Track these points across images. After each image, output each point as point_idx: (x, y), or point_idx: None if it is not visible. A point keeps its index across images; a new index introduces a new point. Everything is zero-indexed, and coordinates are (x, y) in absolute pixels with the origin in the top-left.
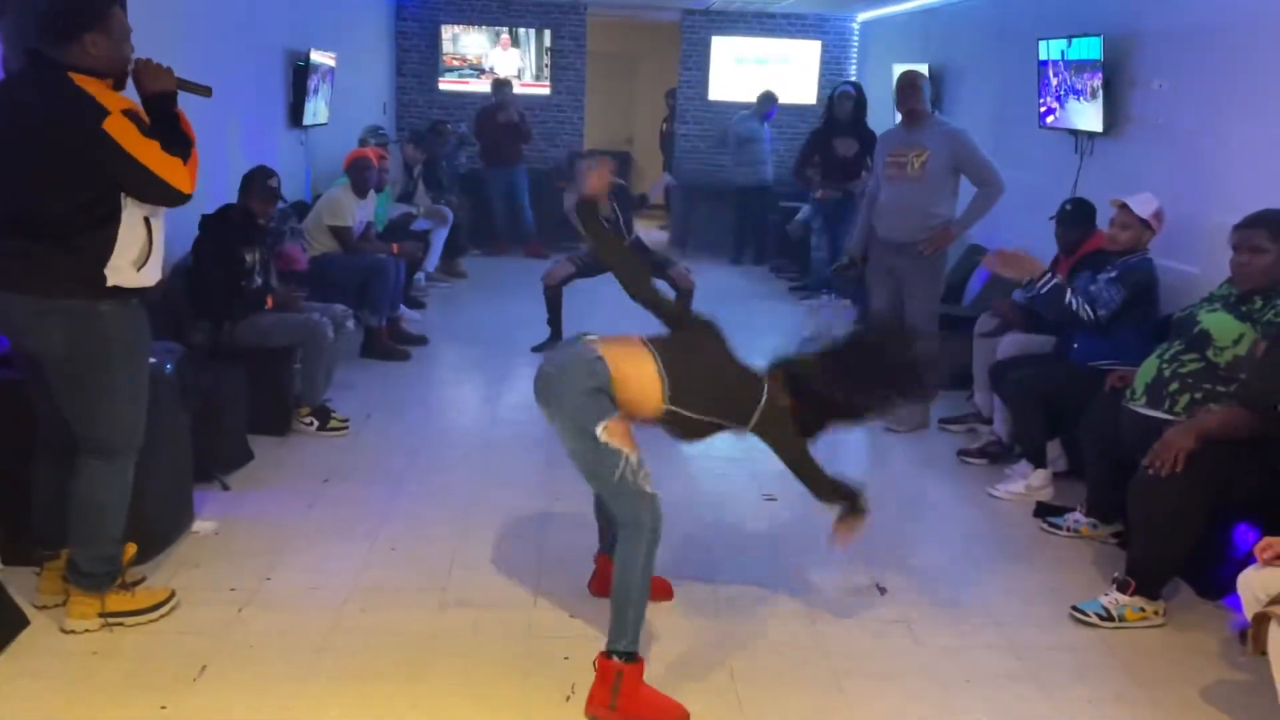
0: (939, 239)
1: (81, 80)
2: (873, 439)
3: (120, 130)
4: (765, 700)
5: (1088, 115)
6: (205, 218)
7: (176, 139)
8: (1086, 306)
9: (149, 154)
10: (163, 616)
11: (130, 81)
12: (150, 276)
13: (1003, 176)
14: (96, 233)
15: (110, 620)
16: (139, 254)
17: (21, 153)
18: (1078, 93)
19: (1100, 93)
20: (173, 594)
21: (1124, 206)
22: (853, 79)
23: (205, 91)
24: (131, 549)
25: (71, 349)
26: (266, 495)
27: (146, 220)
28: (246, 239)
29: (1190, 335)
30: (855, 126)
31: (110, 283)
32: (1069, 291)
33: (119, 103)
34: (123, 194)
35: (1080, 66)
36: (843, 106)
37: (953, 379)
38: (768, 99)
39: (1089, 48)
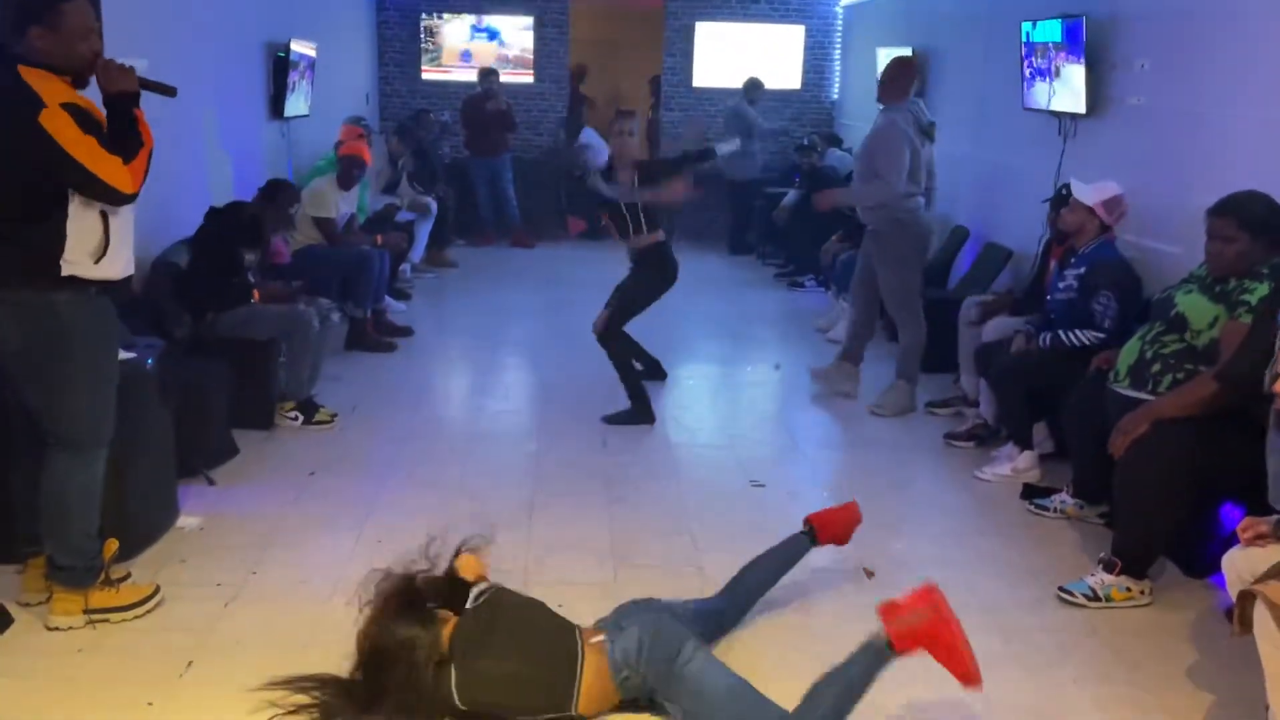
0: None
1: (29, 73)
2: (859, 423)
3: (55, 124)
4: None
5: (1050, 95)
6: (215, 211)
7: (127, 139)
8: (1085, 333)
9: (83, 150)
10: (148, 612)
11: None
12: (112, 269)
13: (898, 188)
14: (43, 225)
15: (95, 617)
16: (95, 247)
17: None
18: (1042, 73)
19: (1061, 72)
20: (157, 589)
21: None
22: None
23: (170, 91)
24: (113, 545)
25: (28, 341)
26: (251, 489)
27: (103, 214)
28: (250, 241)
29: (1168, 317)
30: None
31: (65, 274)
32: (1061, 334)
33: (60, 97)
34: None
35: (1044, 48)
36: None
37: (938, 362)
38: (753, 86)
39: (1050, 30)
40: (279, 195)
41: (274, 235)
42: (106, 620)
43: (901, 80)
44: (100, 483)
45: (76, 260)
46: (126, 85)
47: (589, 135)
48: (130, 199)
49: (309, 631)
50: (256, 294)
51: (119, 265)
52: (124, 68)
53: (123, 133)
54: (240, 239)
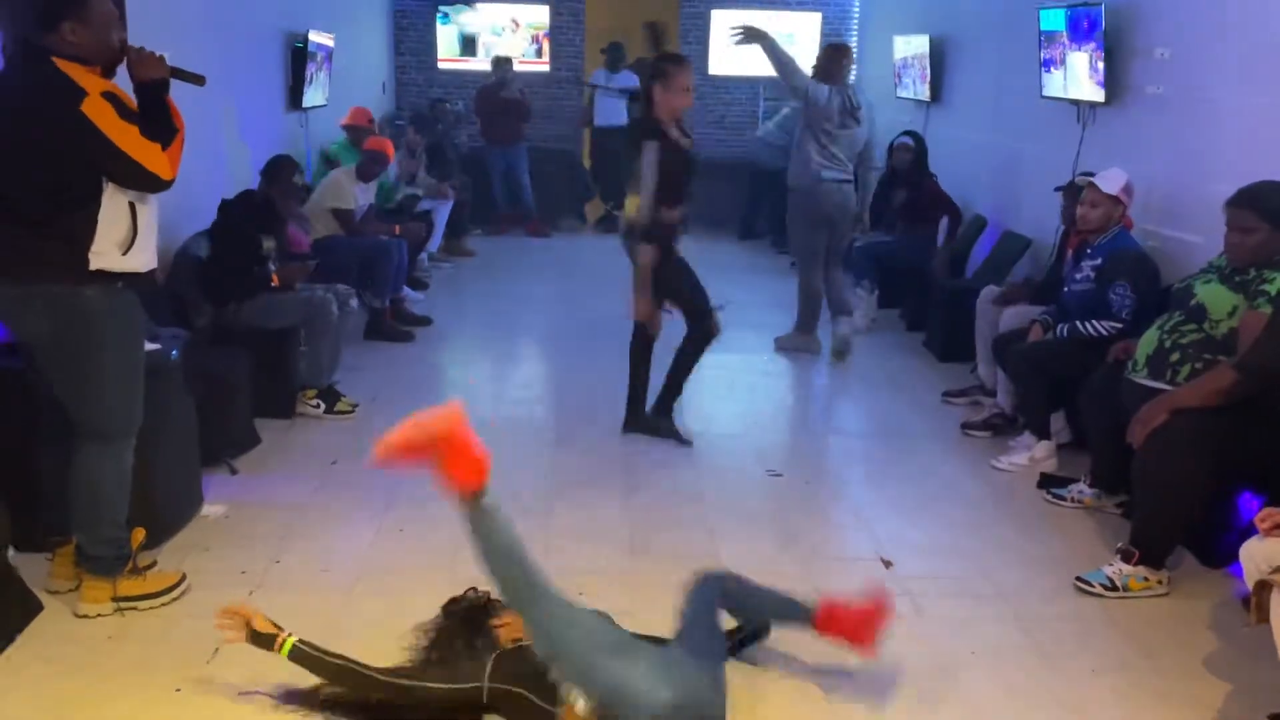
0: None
1: (64, 65)
2: (875, 412)
3: (98, 113)
4: (770, 674)
5: (1065, 83)
6: (226, 202)
7: (162, 126)
8: (1102, 323)
9: (126, 138)
10: (175, 600)
11: (125, 69)
12: (138, 261)
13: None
14: (76, 215)
15: (123, 605)
16: (123, 237)
17: (3, 137)
18: (1052, 62)
19: (1065, 61)
20: (184, 577)
21: (1091, 185)
22: (912, 129)
23: (199, 80)
24: (140, 534)
25: (57, 334)
26: (274, 478)
27: (131, 205)
28: (267, 226)
29: (1187, 307)
30: (914, 176)
31: (94, 266)
32: (1079, 325)
33: (99, 86)
34: (104, 177)
35: (1054, 37)
36: (900, 158)
37: (956, 351)
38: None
39: (1055, 19)
40: (278, 170)
41: (289, 213)
42: (135, 608)
43: (830, 64)
44: (129, 472)
45: (105, 251)
46: (157, 72)
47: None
48: (169, 185)
49: (333, 619)
50: (276, 279)
51: (144, 257)
52: (154, 55)
53: (157, 119)
54: (258, 224)
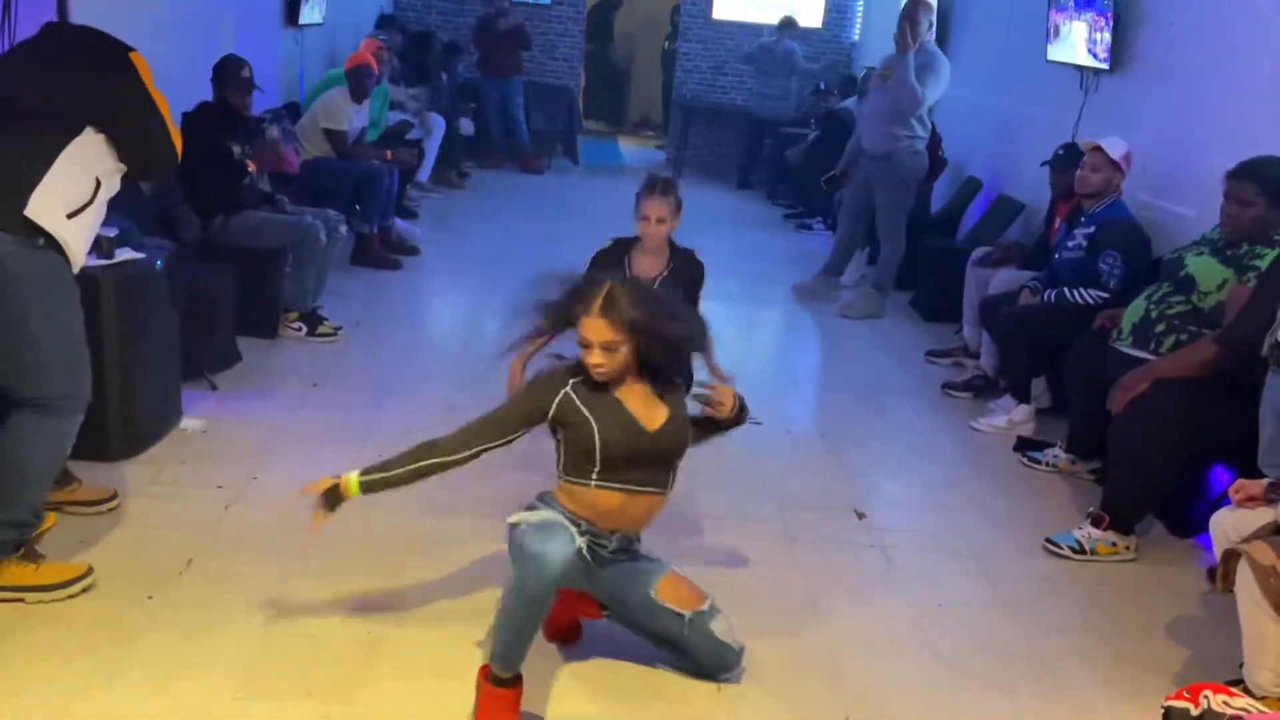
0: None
1: None
2: (859, 367)
3: (143, 67)
4: (740, 619)
5: (1069, 48)
6: (185, 115)
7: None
8: (1089, 292)
9: (160, 100)
10: (71, 597)
11: None
12: (76, 237)
13: (923, 114)
14: (22, 151)
15: (7, 595)
16: (74, 200)
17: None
18: (1054, 27)
19: (1060, 31)
20: (89, 571)
21: (1097, 149)
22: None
23: None
24: (51, 520)
25: None
26: (254, 396)
27: (97, 180)
28: (230, 131)
29: (1177, 278)
30: None
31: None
32: (1066, 292)
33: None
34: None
35: (1059, 4)
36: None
37: (941, 312)
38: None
39: None
40: (225, 69)
41: (247, 110)
42: (20, 599)
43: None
44: (65, 455)
45: (46, 207)
46: None
47: None
48: (174, 168)
49: (312, 539)
50: (251, 165)
51: (84, 241)
52: None
53: None
54: (222, 131)
